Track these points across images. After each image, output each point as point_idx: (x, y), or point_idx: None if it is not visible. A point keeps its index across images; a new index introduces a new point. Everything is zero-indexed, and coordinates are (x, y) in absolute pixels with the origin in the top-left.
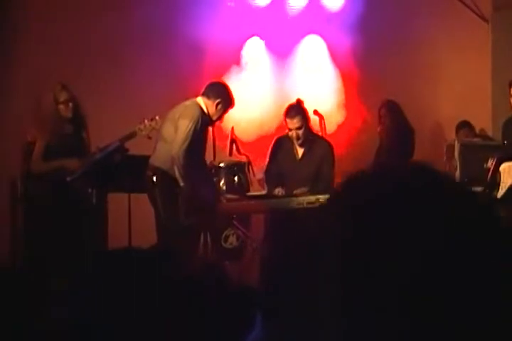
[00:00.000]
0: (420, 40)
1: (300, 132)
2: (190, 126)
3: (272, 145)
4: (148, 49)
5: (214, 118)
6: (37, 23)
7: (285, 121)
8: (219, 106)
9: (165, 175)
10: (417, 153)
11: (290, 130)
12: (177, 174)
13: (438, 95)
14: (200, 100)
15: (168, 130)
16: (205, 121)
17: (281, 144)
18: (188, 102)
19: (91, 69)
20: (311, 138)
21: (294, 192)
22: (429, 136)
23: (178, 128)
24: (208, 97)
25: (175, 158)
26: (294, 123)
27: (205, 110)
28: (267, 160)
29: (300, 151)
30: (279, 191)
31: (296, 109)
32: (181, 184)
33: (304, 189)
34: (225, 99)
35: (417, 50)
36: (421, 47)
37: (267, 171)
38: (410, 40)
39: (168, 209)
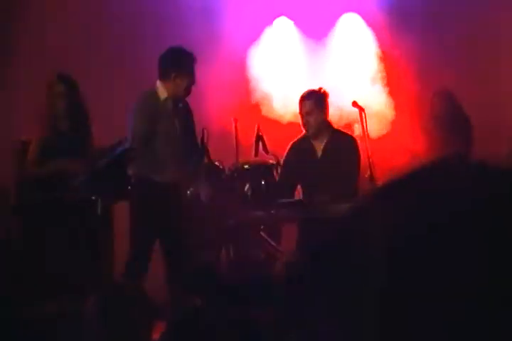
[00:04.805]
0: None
1: (310, 119)
2: (135, 122)
3: (287, 149)
4: (163, 33)
5: (183, 93)
6: (41, 19)
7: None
8: (178, 80)
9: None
10: (478, 148)
11: (302, 117)
12: None
13: (501, 86)
14: (159, 84)
15: None
16: (155, 110)
17: (298, 144)
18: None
19: (98, 65)
20: (330, 132)
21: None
22: (492, 131)
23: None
24: (163, 78)
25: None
26: (304, 106)
27: (165, 93)
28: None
29: (319, 148)
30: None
31: (311, 94)
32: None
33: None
34: (178, 66)
35: (476, 29)
36: (481, 25)
37: (282, 175)
38: (467, 17)
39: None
